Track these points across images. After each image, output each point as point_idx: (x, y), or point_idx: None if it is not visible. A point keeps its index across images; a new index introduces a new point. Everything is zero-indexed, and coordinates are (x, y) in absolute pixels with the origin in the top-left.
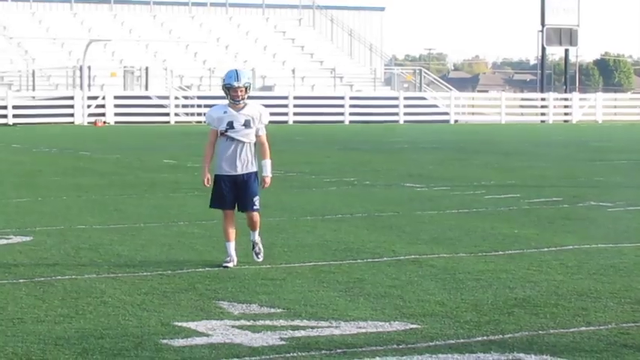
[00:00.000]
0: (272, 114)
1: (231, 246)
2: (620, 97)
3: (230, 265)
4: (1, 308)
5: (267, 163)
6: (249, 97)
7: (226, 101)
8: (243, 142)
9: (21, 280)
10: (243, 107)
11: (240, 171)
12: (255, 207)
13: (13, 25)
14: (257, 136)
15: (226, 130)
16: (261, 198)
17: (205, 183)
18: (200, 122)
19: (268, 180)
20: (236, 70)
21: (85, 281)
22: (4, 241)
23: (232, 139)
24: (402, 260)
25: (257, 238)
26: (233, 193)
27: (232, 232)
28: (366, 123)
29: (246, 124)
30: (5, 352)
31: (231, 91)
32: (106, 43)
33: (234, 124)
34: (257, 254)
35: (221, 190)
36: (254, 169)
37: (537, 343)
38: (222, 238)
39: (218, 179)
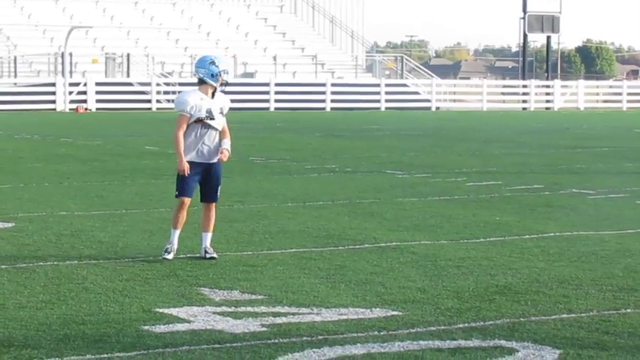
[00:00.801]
0: (253, 101)
1: (177, 235)
2: (602, 85)
3: (169, 257)
4: None
5: (227, 141)
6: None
7: (192, 88)
8: (217, 130)
9: (3, 267)
10: (214, 95)
11: (212, 159)
12: (217, 197)
13: None
14: None
15: (206, 118)
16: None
17: (186, 172)
18: None
19: (226, 152)
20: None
21: (67, 267)
22: None
23: (208, 126)
24: (384, 247)
25: (209, 242)
26: (198, 182)
27: (183, 221)
28: (348, 110)
29: (221, 112)
30: None
31: (222, 76)
32: (88, 29)
33: (213, 113)
34: (211, 254)
35: (191, 178)
36: (218, 157)
37: (518, 330)
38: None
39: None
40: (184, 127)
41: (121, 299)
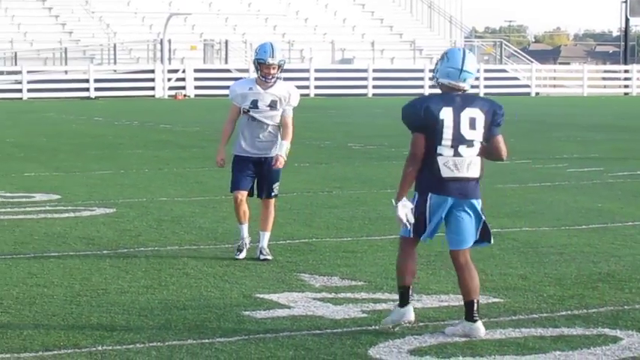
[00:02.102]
0: (351, 87)
1: (245, 228)
2: None
3: (241, 256)
4: (86, 279)
5: (285, 144)
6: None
7: (254, 75)
8: (268, 124)
9: (105, 252)
10: (271, 86)
11: (262, 154)
12: (274, 193)
13: (95, 0)
14: (282, 116)
15: (249, 109)
16: (280, 185)
17: (219, 163)
18: None
19: (281, 159)
20: (271, 44)
21: (168, 253)
22: (88, 213)
23: (254, 119)
24: None
25: (266, 243)
26: (252, 176)
27: (246, 214)
28: None
29: (272, 105)
30: (90, 322)
31: (263, 67)
32: (186, 16)
33: (259, 104)
34: (265, 256)
35: (240, 171)
36: (276, 152)
37: (622, 318)
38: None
39: (237, 160)
40: (232, 116)
41: (222, 284)
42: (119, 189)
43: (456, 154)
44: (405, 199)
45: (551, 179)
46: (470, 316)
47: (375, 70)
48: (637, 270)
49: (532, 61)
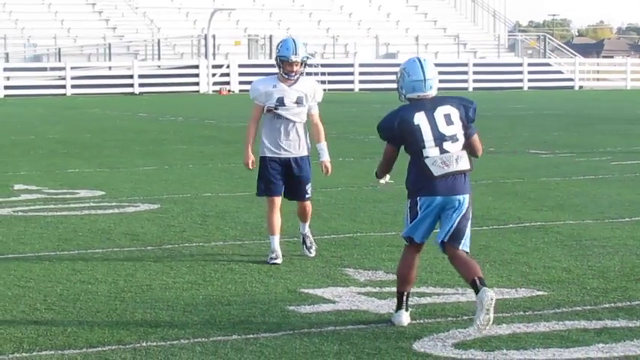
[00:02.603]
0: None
1: (276, 240)
2: None
3: (278, 261)
4: (130, 275)
5: (324, 146)
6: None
7: (274, 73)
8: (294, 122)
9: (149, 248)
10: (294, 82)
11: (289, 154)
12: (307, 195)
13: None
14: (309, 115)
15: (275, 107)
16: (313, 185)
17: (249, 166)
18: (324, 90)
19: (329, 165)
20: (294, 41)
21: (212, 248)
22: (133, 209)
23: (281, 117)
24: (528, 227)
25: (307, 230)
26: (281, 179)
27: (278, 224)
28: (490, 90)
29: (299, 102)
30: (134, 318)
31: (286, 65)
32: (230, 12)
33: (285, 101)
34: (309, 249)
35: (268, 174)
36: (306, 152)
37: None
38: (338, 206)
39: (264, 162)
40: (256, 116)
41: (266, 280)
42: (163, 185)
43: (442, 151)
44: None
45: (594, 172)
46: (476, 291)
47: None
48: None
49: (575, 55)
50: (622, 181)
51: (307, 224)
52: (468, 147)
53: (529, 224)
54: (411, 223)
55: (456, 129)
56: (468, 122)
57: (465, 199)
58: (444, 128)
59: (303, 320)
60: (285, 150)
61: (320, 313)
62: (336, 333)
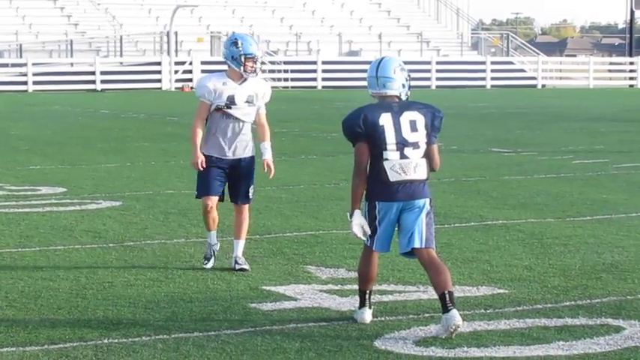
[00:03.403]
0: (359, 79)
1: (214, 235)
2: None
3: (209, 264)
4: (92, 272)
5: (269, 145)
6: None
7: (221, 70)
8: (244, 122)
9: (111, 245)
10: (245, 80)
11: (238, 155)
12: (249, 197)
13: None
14: (257, 115)
15: (226, 107)
16: (255, 188)
17: (199, 166)
18: (287, 87)
19: (272, 164)
20: (250, 36)
21: (174, 246)
22: (95, 206)
23: (230, 116)
24: (490, 225)
25: (241, 251)
26: (224, 180)
27: (216, 220)
28: (453, 88)
29: (250, 101)
30: (96, 315)
31: (248, 60)
32: (193, 8)
33: (236, 100)
34: (243, 264)
35: (211, 175)
36: (251, 152)
37: (625, 308)
38: (302, 204)
39: (209, 162)
40: (203, 115)
41: (228, 277)
42: (125, 182)
43: (403, 156)
44: (357, 212)
45: (556, 171)
46: (444, 308)
47: None
48: None
49: (539, 54)
50: (584, 180)
51: (242, 244)
52: (427, 156)
53: (491, 222)
54: (369, 227)
55: (420, 136)
56: (432, 131)
57: (426, 202)
58: (407, 134)
59: (265, 317)
60: (233, 151)
61: (282, 311)
62: (298, 330)
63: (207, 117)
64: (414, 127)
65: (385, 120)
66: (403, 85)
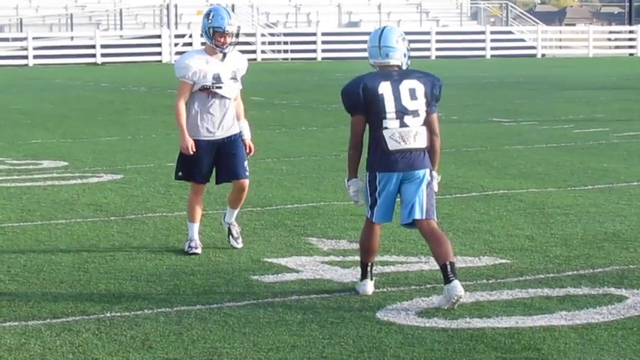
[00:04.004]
0: (359, 50)
1: (196, 228)
2: None
3: (197, 251)
4: (94, 245)
5: (246, 124)
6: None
7: (199, 48)
8: (229, 99)
9: (112, 218)
10: (224, 56)
11: (224, 133)
12: (247, 172)
13: None
14: None
15: (213, 86)
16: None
17: (190, 150)
18: (287, 59)
19: (252, 144)
20: (225, 9)
21: (176, 218)
22: (96, 179)
23: (216, 95)
24: (491, 195)
25: (234, 218)
26: (211, 162)
27: (199, 212)
28: (453, 58)
29: (234, 77)
30: (98, 289)
31: (218, 35)
32: None
33: (222, 78)
34: (236, 239)
35: (198, 157)
36: (238, 129)
37: (628, 277)
38: (301, 176)
39: (197, 147)
40: (186, 95)
41: (230, 249)
42: (126, 155)
43: (402, 124)
44: (353, 180)
45: (557, 140)
46: (445, 279)
47: None
48: None
49: (538, 23)
50: (584, 149)
51: (236, 211)
52: (427, 125)
53: (492, 192)
54: (370, 199)
55: (419, 104)
56: (432, 99)
57: (426, 173)
58: (407, 102)
59: (267, 289)
60: (224, 130)
61: (283, 283)
62: (300, 302)
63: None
64: (413, 95)
65: (385, 88)
66: (404, 55)
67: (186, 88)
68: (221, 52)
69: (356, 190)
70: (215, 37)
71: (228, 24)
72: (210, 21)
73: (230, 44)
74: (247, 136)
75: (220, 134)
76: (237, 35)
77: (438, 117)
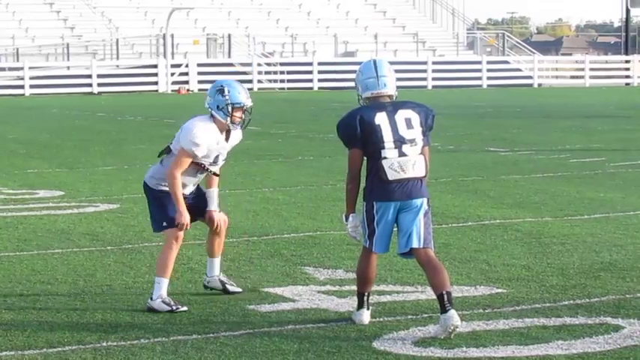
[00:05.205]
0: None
1: (166, 284)
2: None
3: (184, 308)
4: (90, 275)
5: (216, 193)
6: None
7: (206, 119)
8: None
9: (109, 248)
10: (228, 132)
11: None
12: (217, 205)
13: None
14: None
15: (209, 164)
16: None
17: (188, 226)
18: (283, 89)
19: (217, 217)
20: (239, 83)
21: None
22: (92, 209)
23: (206, 171)
24: (487, 225)
25: (218, 269)
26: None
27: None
28: (449, 88)
29: (228, 156)
30: (95, 319)
31: (237, 111)
32: (189, 10)
33: (219, 159)
34: (231, 285)
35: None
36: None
37: (624, 307)
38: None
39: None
40: (184, 167)
41: None
42: (123, 184)
43: (401, 154)
44: (352, 215)
45: (553, 170)
46: (442, 309)
47: None
48: (639, 259)
49: (534, 53)
50: (581, 179)
51: (219, 260)
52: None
53: (488, 222)
54: (368, 229)
55: (416, 133)
56: (426, 129)
57: (424, 202)
58: (404, 131)
59: (263, 319)
60: (191, 188)
61: (280, 312)
62: (296, 332)
63: None
64: (409, 124)
65: (381, 119)
66: (395, 84)
67: (188, 162)
68: (235, 128)
69: (355, 226)
70: (233, 113)
71: (247, 98)
72: (226, 97)
73: (244, 121)
74: (214, 206)
75: (190, 191)
76: (251, 112)
77: (430, 149)
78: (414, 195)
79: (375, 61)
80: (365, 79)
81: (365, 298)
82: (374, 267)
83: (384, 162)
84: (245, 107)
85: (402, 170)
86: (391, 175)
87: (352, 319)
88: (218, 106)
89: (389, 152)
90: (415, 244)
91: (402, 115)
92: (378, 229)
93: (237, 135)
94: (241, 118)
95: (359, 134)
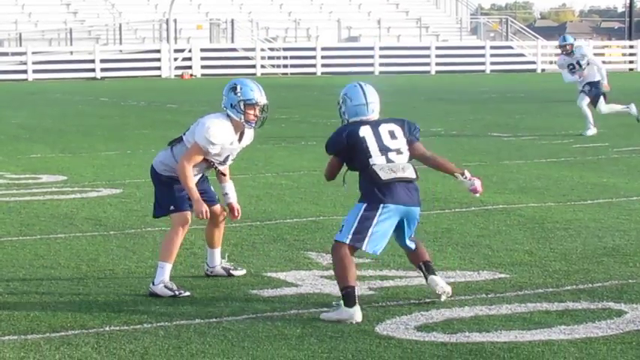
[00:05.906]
0: (358, 65)
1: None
2: None
3: (187, 293)
4: (93, 260)
5: (232, 185)
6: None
7: (222, 117)
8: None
9: (112, 232)
10: (242, 132)
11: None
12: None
13: None
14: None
15: (219, 163)
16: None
17: (206, 215)
18: (286, 74)
19: (238, 207)
20: (253, 81)
21: None
22: (95, 194)
23: (214, 167)
24: (490, 210)
25: (219, 258)
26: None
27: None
28: (453, 73)
29: (237, 156)
30: (97, 303)
31: (250, 109)
32: None
33: (229, 159)
34: (235, 269)
35: (180, 188)
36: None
37: (627, 292)
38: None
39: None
40: (196, 161)
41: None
42: (126, 169)
43: (388, 160)
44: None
45: (556, 155)
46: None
47: (381, 48)
48: None
49: (538, 38)
50: (584, 164)
51: (219, 251)
52: (418, 157)
53: (491, 207)
54: (357, 226)
55: (400, 143)
56: (410, 136)
57: (418, 210)
58: (388, 141)
59: (266, 304)
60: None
61: (283, 297)
62: (299, 316)
63: None
64: (393, 135)
65: (365, 131)
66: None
67: (200, 158)
68: (250, 127)
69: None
70: (246, 110)
71: (260, 95)
72: (238, 94)
73: (260, 119)
74: (233, 199)
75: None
76: (267, 110)
77: (422, 144)
78: (415, 201)
79: (361, 87)
80: (354, 106)
81: (355, 292)
82: (353, 260)
83: (374, 167)
84: (259, 104)
85: (393, 172)
86: (384, 175)
87: (339, 318)
88: (231, 104)
89: (376, 159)
90: (411, 247)
91: (385, 127)
92: (378, 229)
93: (249, 136)
94: (256, 116)
95: (345, 145)
